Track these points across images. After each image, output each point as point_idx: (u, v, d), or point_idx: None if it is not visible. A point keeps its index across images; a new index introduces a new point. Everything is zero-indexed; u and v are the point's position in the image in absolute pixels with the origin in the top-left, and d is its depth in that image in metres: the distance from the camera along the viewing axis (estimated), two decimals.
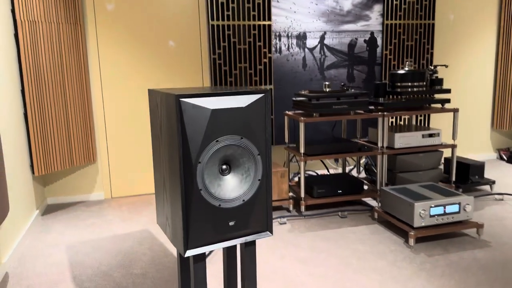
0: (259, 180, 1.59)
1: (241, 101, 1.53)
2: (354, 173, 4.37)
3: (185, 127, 1.44)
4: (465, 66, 4.78)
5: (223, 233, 1.55)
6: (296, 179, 4.21)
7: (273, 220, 3.24)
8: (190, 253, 1.50)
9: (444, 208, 2.78)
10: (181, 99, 1.42)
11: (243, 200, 1.57)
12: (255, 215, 1.61)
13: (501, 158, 5.01)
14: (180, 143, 1.44)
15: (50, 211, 3.63)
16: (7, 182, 2.69)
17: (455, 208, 2.80)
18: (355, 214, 3.36)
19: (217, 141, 1.48)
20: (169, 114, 1.48)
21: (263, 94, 1.57)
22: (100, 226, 3.26)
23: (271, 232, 1.66)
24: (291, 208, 3.43)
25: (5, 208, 2.31)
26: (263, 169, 1.59)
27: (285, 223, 3.21)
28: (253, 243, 1.68)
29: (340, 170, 4.47)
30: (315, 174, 4.35)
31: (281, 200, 3.40)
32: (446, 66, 3.50)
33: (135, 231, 3.13)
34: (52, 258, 2.72)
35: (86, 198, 3.90)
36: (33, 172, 3.36)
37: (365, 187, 3.83)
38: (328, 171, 4.26)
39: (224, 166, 1.55)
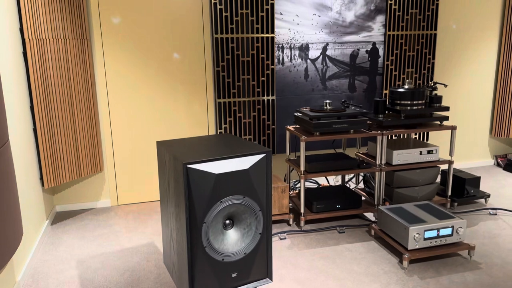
0: (260, 234, 1.70)
1: (244, 163, 1.63)
2: (353, 182, 4.48)
3: (191, 190, 1.54)
4: (466, 74, 4.83)
5: (226, 284, 1.68)
6: (297, 188, 4.34)
7: (274, 236, 3.37)
8: None
9: (438, 231, 2.90)
10: (188, 166, 1.52)
11: (245, 253, 1.69)
12: (256, 265, 1.73)
13: (498, 165, 5.11)
14: (187, 205, 1.55)
15: (59, 219, 3.77)
16: (19, 200, 2.81)
17: (448, 231, 2.92)
18: (353, 229, 3.49)
19: (221, 202, 1.59)
20: (176, 177, 1.58)
21: (264, 155, 1.67)
22: (107, 237, 3.40)
23: (271, 279, 1.79)
24: (291, 221, 3.56)
25: (19, 234, 2.44)
26: (264, 224, 1.71)
27: (285, 238, 3.35)
28: None
29: (340, 179, 4.58)
30: (315, 184, 4.47)
31: (282, 214, 3.53)
32: (445, 86, 3.57)
33: (141, 245, 3.27)
34: (63, 275, 2.87)
35: (93, 206, 4.04)
36: (43, 185, 3.48)
37: (364, 198, 3.95)
38: (328, 182, 4.37)
39: (227, 221, 1.66)
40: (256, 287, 1.73)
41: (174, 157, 1.59)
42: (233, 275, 1.68)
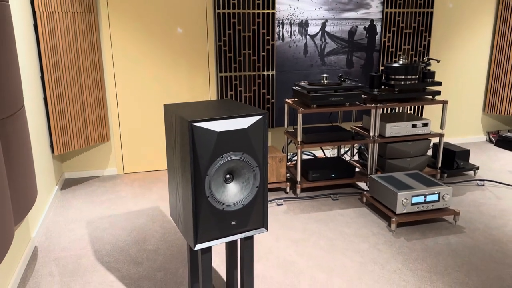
0: (257, 187, 1.89)
1: (243, 122, 1.81)
2: (348, 155, 4.67)
3: (196, 146, 1.72)
4: (461, 52, 4.96)
5: (226, 231, 1.88)
6: (294, 160, 4.53)
7: (271, 202, 3.58)
8: (198, 247, 1.83)
9: (425, 197, 3.10)
10: (192, 123, 1.70)
11: (243, 204, 1.88)
12: (253, 215, 1.93)
13: (490, 141, 5.28)
14: (192, 159, 1.73)
15: (68, 185, 3.98)
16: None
17: (434, 197, 3.12)
18: (346, 197, 3.69)
19: (222, 157, 1.78)
20: (183, 135, 1.76)
21: (261, 116, 1.84)
22: (115, 202, 3.61)
23: (266, 228, 1.98)
24: (288, 189, 3.76)
25: (34, 194, 2.64)
26: (261, 178, 1.89)
27: (282, 204, 3.55)
28: (250, 237, 2.01)
29: (336, 152, 4.77)
30: (312, 155, 4.66)
31: (279, 183, 3.72)
32: (438, 61, 3.72)
33: (147, 208, 3.48)
34: (74, 233, 3.08)
35: (100, 173, 4.24)
36: (52, 152, 3.67)
37: (358, 169, 4.14)
38: (325, 154, 4.56)
39: (228, 176, 1.85)
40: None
41: (181, 117, 1.77)
42: (233, 223, 1.87)
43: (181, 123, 1.77)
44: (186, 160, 1.76)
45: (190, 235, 1.84)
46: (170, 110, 1.93)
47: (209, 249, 1.92)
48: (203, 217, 1.80)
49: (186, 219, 1.88)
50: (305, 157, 4.63)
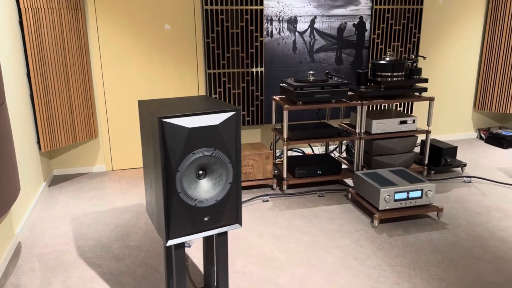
0: (230, 183, 1.90)
1: (215, 119, 1.81)
2: (336, 152, 4.68)
3: (166, 142, 1.73)
4: (451, 49, 4.96)
5: (199, 227, 1.89)
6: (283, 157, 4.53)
7: (257, 198, 3.59)
8: (170, 242, 1.84)
9: (408, 193, 3.11)
10: (163, 120, 1.71)
11: (216, 200, 1.89)
12: (227, 211, 1.94)
13: (481, 138, 5.29)
14: (163, 155, 1.74)
15: (56, 182, 3.99)
16: (17, 160, 3.01)
17: (417, 194, 3.13)
18: (332, 193, 3.70)
19: (193, 153, 1.79)
20: (154, 131, 1.77)
21: (234, 112, 1.85)
22: (101, 198, 3.62)
23: (241, 224, 2.00)
24: (274, 186, 3.77)
25: (16, 188, 2.65)
26: (234, 174, 1.90)
27: (267, 200, 3.56)
28: (225, 233, 2.02)
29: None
30: (301, 152, 4.67)
31: (266, 179, 3.73)
32: (424, 58, 3.72)
33: (132, 205, 3.50)
34: (59, 229, 3.10)
35: (89, 170, 4.25)
36: (40, 148, 3.68)
37: (346, 166, 4.15)
38: (313, 151, 4.57)
39: (200, 172, 1.86)
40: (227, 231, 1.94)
41: (152, 113, 1.78)
42: (205, 219, 1.89)
43: (152, 119, 1.78)
44: (157, 156, 1.77)
45: (163, 230, 1.85)
46: (143, 106, 1.94)
47: (181, 245, 1.93)
48: (175, 213, 1.82)
49: (159, 215, 1.89)
50: (294, 154, 4.63)
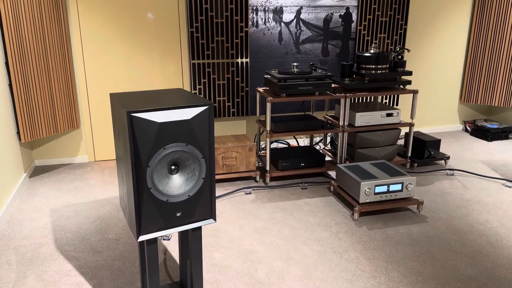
0: (203, 178, 1.88)
1: (187, 113, 1.79)
2: (322, 144, 4.67)
3: (136, 137, 1.70)
4: (438, 41, 4.95)
5: (171, 222, 1.87)
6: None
7: (240, 191, 3.58)
8: (141, 238, 1.82)
9: (388, 187, 3.11)
10: (132, 114, 1.68)
11: (189, 195, 1.87)
12: (200, 206, 1.92)
13: (466, 130, 5.31)
14: (132, 150, 1.71)
15: (38, 173, 3.95)
16: None
17: (398, 187, 3.13)
18: (315, 186, 3.70)
19: (164, 148, 1.76)
20: (123, 125, 1.74)
21: (207, 107, 1.82)
22: (82, 190, 3.59)
23: (215, 219, 1.98)
24: (258, 178, 3.75)
25: None
26: (207, 169, 1.88)
27: (250, 193, 3.55)
28: (198, 228, 2.01)
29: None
30: (286, 144, 4.65)
31: (249, 172, 3.72)
32: (409, 51, 3.70)
33: (114, 197, 3.47)
34: (37, 221, 3.07)
35: (71, 161, 4.21)
36: (20, 139, 3.63)
37: (330, 158, 4.15)
38: (298, 143, 4.55)
39: (173, 167, 1.83)
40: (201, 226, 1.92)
41: (122, 107, 1.75)
42: (178, 214, 1.87)
43: (122, 114, 1.75)
44: (127, 151, 1.74)
45: (134, 226, 1.83)
46: (114, 100, 1.90)
47: (153, 240, 1.91)
48: (146, 208, 1.79)
49: (130, 210, 1.87)
50: (280, 146, 4.62)
